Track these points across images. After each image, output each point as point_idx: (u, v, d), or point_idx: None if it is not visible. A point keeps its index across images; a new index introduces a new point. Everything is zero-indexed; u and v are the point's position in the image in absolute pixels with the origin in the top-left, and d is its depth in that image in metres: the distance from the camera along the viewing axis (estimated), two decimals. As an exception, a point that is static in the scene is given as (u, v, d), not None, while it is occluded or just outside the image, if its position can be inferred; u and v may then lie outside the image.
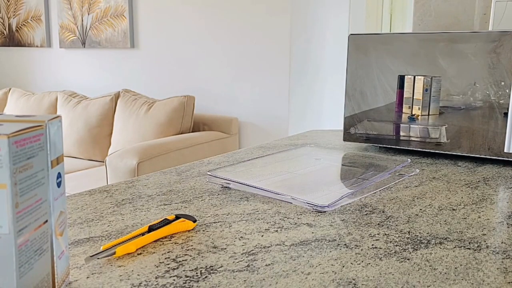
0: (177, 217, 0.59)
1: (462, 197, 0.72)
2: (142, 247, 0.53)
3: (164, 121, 2.62)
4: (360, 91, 1.02)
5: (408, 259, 0.50)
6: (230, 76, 2.80)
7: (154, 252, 0.52)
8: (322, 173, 0.82)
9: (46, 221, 0.39)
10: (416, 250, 0.53)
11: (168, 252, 0.52)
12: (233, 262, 0.49)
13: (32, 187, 0.37)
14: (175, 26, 2.96)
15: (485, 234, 0.57)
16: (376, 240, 0.55)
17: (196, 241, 0.55)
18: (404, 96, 0.98)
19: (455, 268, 0.48)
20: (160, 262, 0.49)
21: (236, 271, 0.47)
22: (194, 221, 0.58)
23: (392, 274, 0.47)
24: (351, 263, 0.49)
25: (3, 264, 0.35)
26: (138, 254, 0.51)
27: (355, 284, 0.45)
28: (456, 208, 0.67)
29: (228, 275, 0.46)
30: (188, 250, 0.52)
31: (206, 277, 0.46)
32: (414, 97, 0.97)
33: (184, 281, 0.45)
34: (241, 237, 0.56)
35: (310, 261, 0.49)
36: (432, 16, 1.28)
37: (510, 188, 0.77)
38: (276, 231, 0.58)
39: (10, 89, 3.46)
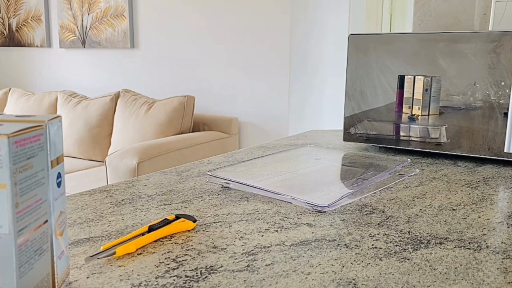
0: (177, 217, 0.59)
1: (462, 197, 0.72)
2: (142, 247, 0.53)
3: (164, 121, 2.62)
4: (360, 91, 1.02)
5: (408, 259, 0.50)
6: (230, 76, 2.80)
7: (154, 252, 0.52)
8: (322, 173, 0.82)
9: (46, 221, 0.39)
10: (416, 250, 0.53)
11: (168, 252, 0.52)
12: (233, 262, 0.49)
13: (32, 187, 0.37)
14: (175, 26, 2.96)
15: (485, 234, 0.57)
16: (376, 240, 0.55)
17: (196, 241, 0.55)
18: (404, 96, 0.98)
19: (455, 268, 0.48)
20: (160, 262, 0.49)
21: (236, 271, 0.47)
22: (194, 221, 0.58)
23: (392, 274, 0.47)
24: (351, 263, 0.49)
25: (3, 264, 0.35)
26: (138, 254, 0.51)
27: (355, 284, 0.45)
28: (456, 208, 0.67)
29: (228, 275, 0.46)
30: (188, 250, 0.52)
31: (206, 277, 0.46)
32: (414, 97, 0.97)
33: (184, 281, 0.45)
34: (241, 237, 0.56)
35: (310, 261, 0.49)
36: (432, 16, 1.28)
37: (510, 188, 0.77)
38: (276, 231, 0.58)
39: (10, 89, 3.46)
